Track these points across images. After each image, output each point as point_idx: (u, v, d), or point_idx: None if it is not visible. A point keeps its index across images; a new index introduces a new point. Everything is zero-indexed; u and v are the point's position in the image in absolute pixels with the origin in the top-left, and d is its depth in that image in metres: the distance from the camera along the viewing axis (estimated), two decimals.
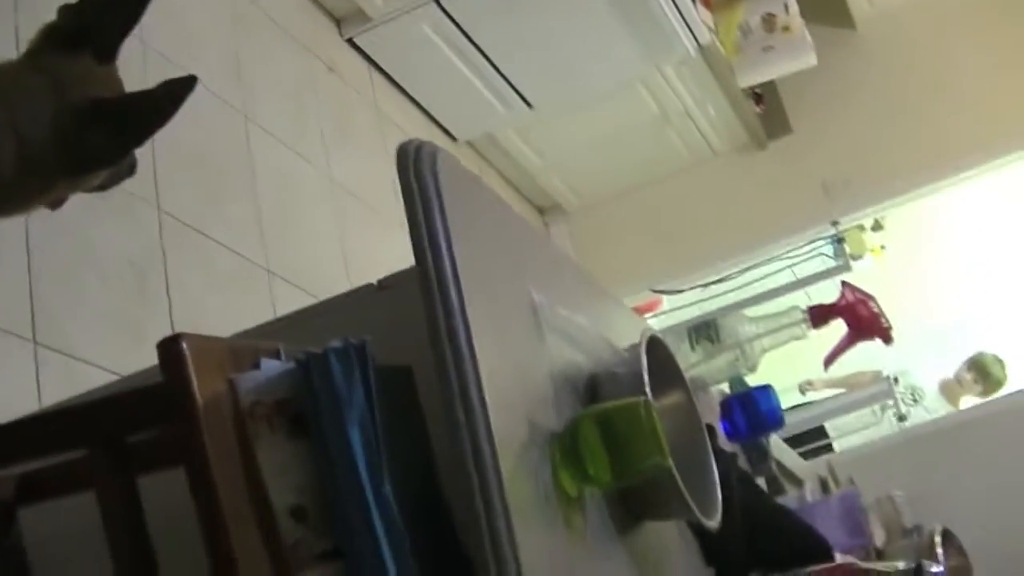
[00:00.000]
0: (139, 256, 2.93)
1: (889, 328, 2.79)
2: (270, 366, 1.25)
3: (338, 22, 4.64)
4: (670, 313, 6.27)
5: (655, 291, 6.12)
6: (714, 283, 6.10)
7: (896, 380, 5.80)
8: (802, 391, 6.21)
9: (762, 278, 6.13)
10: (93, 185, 1.40)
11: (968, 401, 6.26)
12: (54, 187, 1.34)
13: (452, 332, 1.24)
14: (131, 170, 1.46)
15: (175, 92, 1.31)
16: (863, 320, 2.78)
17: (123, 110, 1.34)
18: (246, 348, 1.27)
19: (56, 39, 1.34)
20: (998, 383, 6.16)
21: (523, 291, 1.47)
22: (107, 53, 1.37)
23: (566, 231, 6.32)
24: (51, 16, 1.33)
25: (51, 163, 1.28)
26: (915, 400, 6.41)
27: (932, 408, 6.53)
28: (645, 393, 1.46)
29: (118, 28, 1.38)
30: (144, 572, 1.27)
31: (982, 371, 6.15)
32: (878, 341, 3.08)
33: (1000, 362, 6.19)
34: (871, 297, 2.78)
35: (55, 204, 1.39)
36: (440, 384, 1.23)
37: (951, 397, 6.21)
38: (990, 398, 6.13)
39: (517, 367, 1.36)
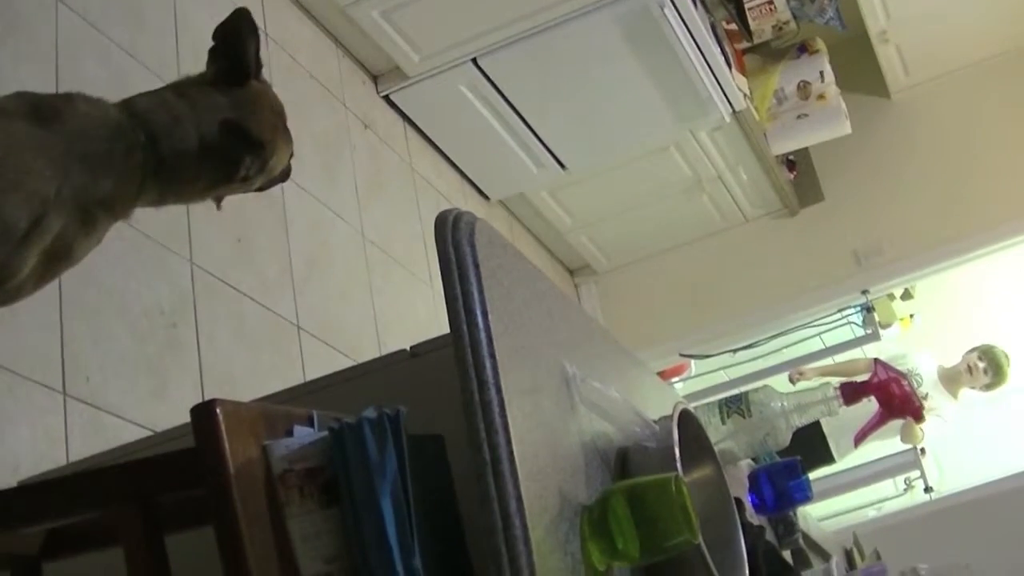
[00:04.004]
0: (170, 309, 2.93)
1: (921, 407, 2.78)
2: (303, 433, 1.26)
3: (375, 79, 4.67)
4: (697, 378, 6.25)
5: (684, 355, 6.10)
6: (742, 349, 6.07)
7: (923, 451, 5.69)
8: (792, 380, 6.00)
9: (790, 345, 6.10)
10: (251, 188, 1.66)
11: (967, 394, 5.97)
12: (215, 186, 1.60)
13: (486, 404, 1.23)
14: (284, 176, 1.72)
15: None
16: (895, 398, 2.76)
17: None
18: (279, 414, 1.27)
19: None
20: (1005, 378, 5.89)
21: (556, 362, 1.46)
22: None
23: (596, 292, 6.31)
24: None
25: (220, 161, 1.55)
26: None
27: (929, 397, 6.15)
28: (676, 469, 1.45)
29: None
30: None
31: (993, 361, 5.86)
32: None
33: (1008, 357, 5.94)
34: (903, 375, 2.76)
35: (218, 200, 1.65)
36: (472, 455, 1.22)
37: (952, 386, 5.88)
38: (991, 392, 5.90)
39: (549, 439, 1.36)
